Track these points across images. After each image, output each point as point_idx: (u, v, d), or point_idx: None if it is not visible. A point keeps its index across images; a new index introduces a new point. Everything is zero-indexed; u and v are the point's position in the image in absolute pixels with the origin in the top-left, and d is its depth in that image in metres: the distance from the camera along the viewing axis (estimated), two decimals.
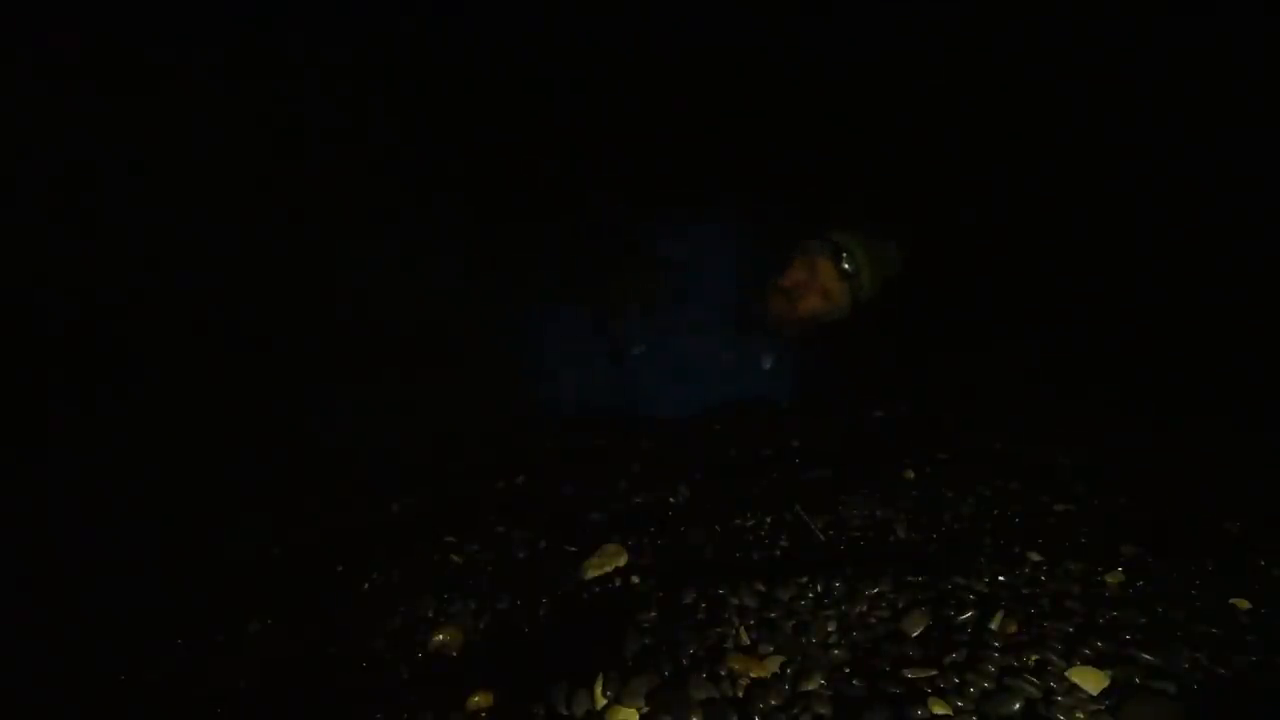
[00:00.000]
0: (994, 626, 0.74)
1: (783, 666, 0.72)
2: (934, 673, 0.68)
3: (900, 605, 0.80)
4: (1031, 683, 0.66)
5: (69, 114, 1.77)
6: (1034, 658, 0.69)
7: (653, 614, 0.82)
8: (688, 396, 1.97)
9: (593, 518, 1.19)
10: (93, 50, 1.80)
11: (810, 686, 0.69)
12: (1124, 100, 2.25)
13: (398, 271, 2.04)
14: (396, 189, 2.21)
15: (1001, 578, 0.84)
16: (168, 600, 1.09)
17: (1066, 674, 0.67)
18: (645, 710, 0.68)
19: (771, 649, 0.75)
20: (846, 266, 1.94)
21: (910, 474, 1.25)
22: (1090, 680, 0.66)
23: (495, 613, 0.93)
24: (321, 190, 2.04)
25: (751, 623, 0.79)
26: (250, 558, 1.22)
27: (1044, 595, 0.81)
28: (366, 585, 1.02)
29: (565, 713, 0.69)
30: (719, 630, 0.78)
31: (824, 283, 1.96)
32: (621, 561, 0.99)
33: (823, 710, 0.66)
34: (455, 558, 1.07)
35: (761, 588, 0.84)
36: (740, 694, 0.69)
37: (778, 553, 1.00)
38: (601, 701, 0.69)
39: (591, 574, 0.97)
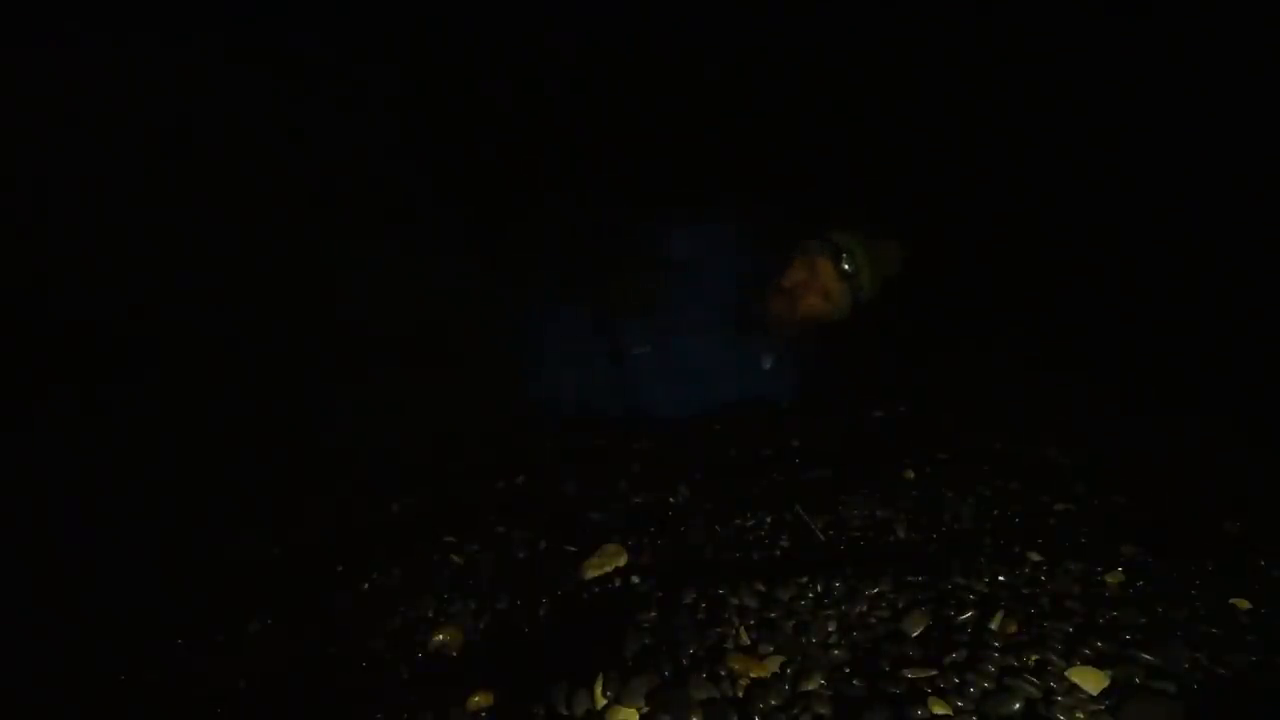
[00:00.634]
0: (994, 626, 0.74)
1: (783, 666, 0.72)
2: (934, 673, 0.68)
3: (900, 605, 0.80)
4: (1031, 683, 0.66)
5: (68, 114, 1.77)
6: (1034, 658, 0.69)
7: (653, 614, 0.82)
8: (688, 396, 1.97)
9: (593, 518, 1.19)
10: (92, 50, 1.80)
11: (810, 686, 0.69)
12: (1123, 96, 2.25)
13: (398, 271, 2.04)
14: (397, 189, 2.21)
15: (1001, 578, 0.84)
16: (168, 600, 1.08)
17: (1066, 674, 0.67)
18: (645, 710, 0.68)
19: (771, 649, 0.75)
20: (846, 266, 1.94)
21: (910, 474, 1.25)
22: (1090, 680, 0.66)
23: (495, 613, 0.93)
24: (322, 190, 2.04)
25: (751, 623, 0.79)
26: (250, 558, 1.22)
27: (1044, 595, 0.81)
28: (366, 585, 1.02)
29: (565, 713, 0.69)
30: (719, 630, 0.78)
31: (824, 283, 1.96)
32: (621, 561, 0.99)
33: (823, 710, 0.66)
34: (455, 558, 1.07)
35: (761, 588, 0.84)
36: (740, 694, 0.69)
37: (778, 553, 1.00)
38: (601, 701, 0.69)
39: (591, 574, 0.97)
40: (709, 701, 0.68)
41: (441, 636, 0.88)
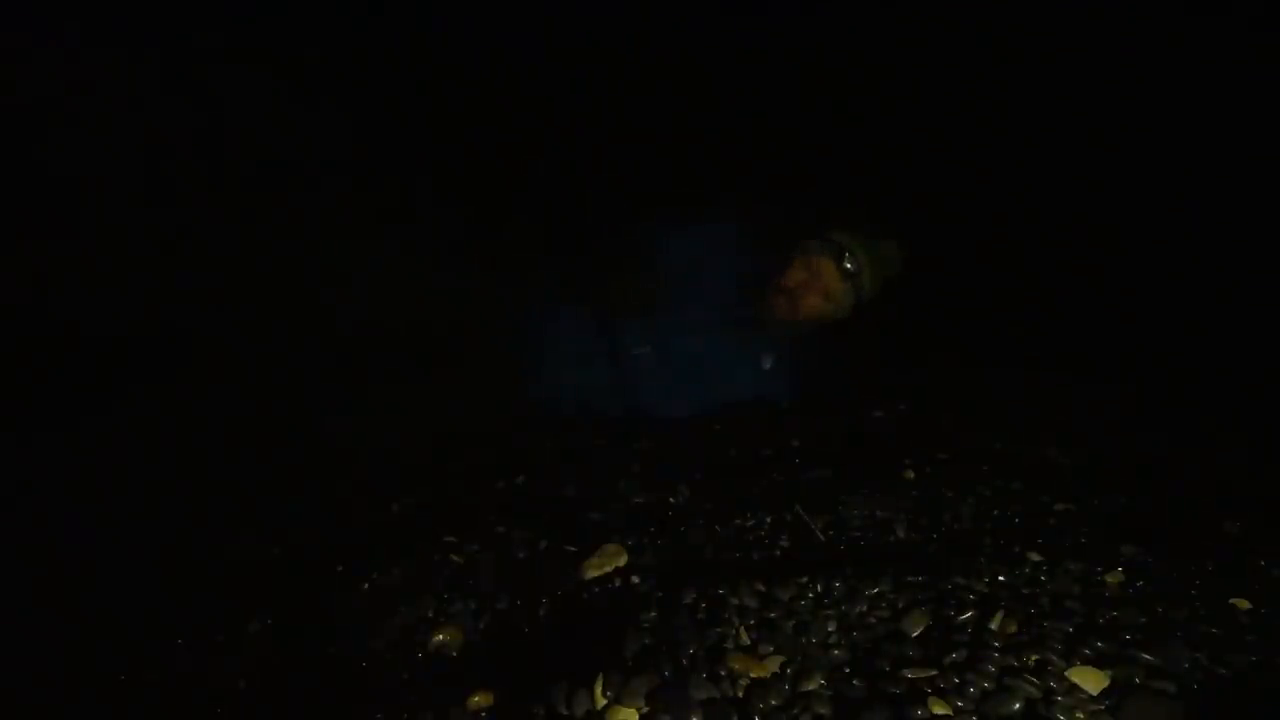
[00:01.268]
0: (994, 626, 0.74)
1: (783, 666, 0.72)
2: (934, 673, 0.68)
3: (900, 605, 0.80)
4: (1031, 683, 0.66)
5: (69, 114, 1.77)
6: (1034, 658, 0.69)
7: (653, 614, 0.82)
8: (688, 396, 1.97)
9: (593, 518, 1.19)
10: (92, 50, 1.80)
11: (810, 686, 0.69)
12: (1123, 96, 2.25)
13: (398, 271, 2.04)
14: (397, 189, 2.21)
15: (1001, 578, 0.84)
16: (168, 600, 1.08)
17: (1066, 674, 0.67)
18: (645, 710, 0.68)
19: (771, 649, 0.75)
20: (849, 266, 1.94)
21: (910, 474, 1.25)
22: (1090, 680, 0.66)
23: (495, 613, 0.92)
24: (322, 190, 2.04)
25: (751, 623, 0.79)
26: (250, 558, 1.22)
27: (1044, 595, 0.81)
28: (366, 585, 1.02)
29: (565, 713, 0.69)
30: (719, 630, 0.78)
31: (826, 283, 1.96)
32: (621, 561, 0.99)
33: (823, 710, 0.66)
34: (455, 558, 1.07)
35: (761, 588, 0.84)
36: (740, 694, 0.69)
37: (778, 553, 1.00)
38: (601, 701, 0.69)
39: (591, 574, 0.97)
40: (709, 701, 0.68)
41: (441, 636, 0.88)
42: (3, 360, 1.72)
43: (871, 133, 2.59)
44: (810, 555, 0.98)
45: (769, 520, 1.10)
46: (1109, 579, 0.83)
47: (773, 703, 0.67)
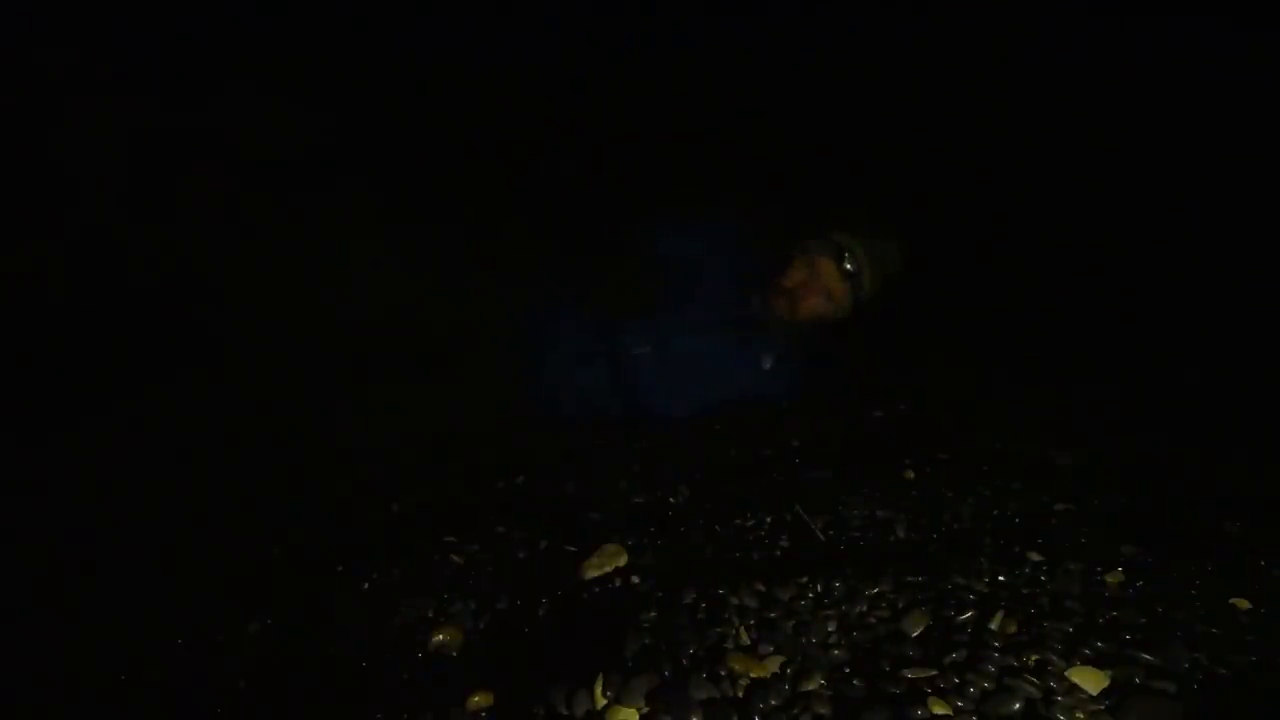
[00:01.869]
0: (994, 626, 0.75)
1: (783, 666, 0.72)
2: (934, 673, 0.68)
3: (900, 605, 0.80)
4: (1031, 683, 0.66)
5: (69, 115, 1.77)
6: (1034, 658, 0.69)
7: (653, 614, 0.82)
8: (688, 396, 1.97)
9: (593, 518, 1.19)
10: (92, 51, 1.80)
11: (810, 686, 0.69)
12: (1123, 96, 2.25)
13: (398, 271, 2.04)
14: (397, 189, 2.21)
15: (1001, 578, 0.84)
16: (168, 600, 1.08)
17: (1066, 674, 0.67)
18: (645, 710, 0.68)
19: (771, 649, 0.75)
20: (849, 266, 1.94)
21: (910, 474, 1.25)
22: (1090, 680, 0.66)
23: (495, 613, 0.92)
24: (322, 190, 2.04)
25: (751, 623, 0.79)
26: (250, 558, 1.22)
27: (1044, 595, 0.81)
28: (366, 585, 1.02)
29: (565, 713, 0.69)
30: (719, 630, 0.78)
31: (826, 283, 1.96)
32: (621, 561, 0.99)
33: (823, 710, 0.66)
34: (455, 558, 1.07)
35: (761, 588, 0.84)
36: (740, 694, 0.69)
37: (778, 553, 1.00)
38: (601, 701, 0.69)
39: (591, 574, 0.97)
40: (709, 701, 0.68)
41: (441, 636, 0.88)
42: (3, 360, 1.72)
43: (871, 133, 2.59)
44: (810, 555, 0.98)
45: (769, 520, 1.10)
46: (1109, 579, 0.83)
47: (773, 703, 0.67)
